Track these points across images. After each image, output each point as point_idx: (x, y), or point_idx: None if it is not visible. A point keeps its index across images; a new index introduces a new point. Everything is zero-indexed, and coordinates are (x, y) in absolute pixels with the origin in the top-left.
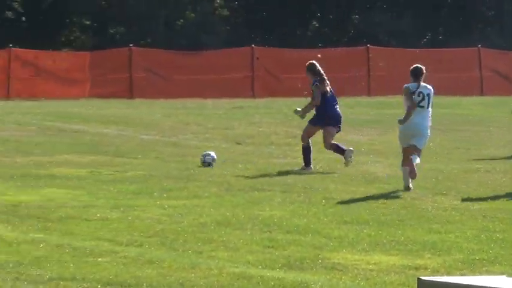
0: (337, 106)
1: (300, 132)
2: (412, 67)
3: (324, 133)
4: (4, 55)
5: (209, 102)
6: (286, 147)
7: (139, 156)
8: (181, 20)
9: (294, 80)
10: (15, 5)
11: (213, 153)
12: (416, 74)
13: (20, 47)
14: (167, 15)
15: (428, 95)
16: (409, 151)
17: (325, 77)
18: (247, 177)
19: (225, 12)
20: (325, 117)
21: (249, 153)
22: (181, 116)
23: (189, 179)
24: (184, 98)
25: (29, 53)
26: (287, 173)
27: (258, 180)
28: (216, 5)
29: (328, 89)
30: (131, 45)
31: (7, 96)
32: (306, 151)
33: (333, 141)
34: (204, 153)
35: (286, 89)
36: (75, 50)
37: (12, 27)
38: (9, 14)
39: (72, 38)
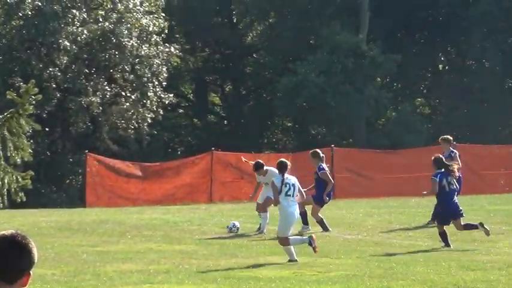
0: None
1: (505, 228)
2: None
3: None
4: (207, 158)
5: (412, 200)
6: (489, 244)
7: (342, 256)
8: (382, 120)
9: (496, 176)
10: (217, 109)
11: (236, 223)
12: None
13: (221, 150)
14: (368, 115)
15: None
16: None
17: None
18: (450, 275)
19: (427, 110)
20: None
21: (451, 251)
22: (384, 215)
23: (393, 278)
24: (387, 196)
25: (230, 156)
26: (491, 269)
27: (461, 278)
28: (417, 103)
29: None
30: (333, 145)
31: (210, 200)
32: None
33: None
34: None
35: (487, 185)
36: (277, 152)
37: (214, 130)
38: (211, 117)
39: (274, 139)
